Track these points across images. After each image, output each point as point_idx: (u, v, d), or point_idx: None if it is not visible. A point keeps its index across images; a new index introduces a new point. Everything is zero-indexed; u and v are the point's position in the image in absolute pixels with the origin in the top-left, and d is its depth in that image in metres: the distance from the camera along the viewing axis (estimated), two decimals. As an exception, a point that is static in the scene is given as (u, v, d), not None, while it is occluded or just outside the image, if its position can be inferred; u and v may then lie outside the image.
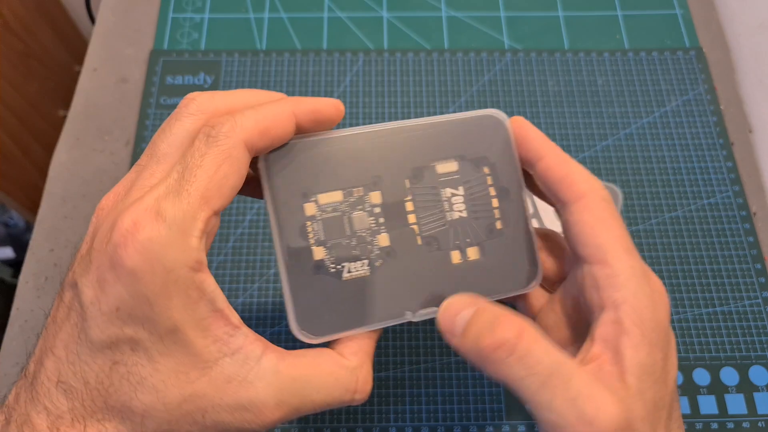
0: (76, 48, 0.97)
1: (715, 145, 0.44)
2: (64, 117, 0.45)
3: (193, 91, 0.45)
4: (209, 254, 0.38)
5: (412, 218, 0.25)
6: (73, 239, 0.40)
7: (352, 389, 0.22)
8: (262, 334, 0.37)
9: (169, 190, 0.20)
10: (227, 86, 0.45)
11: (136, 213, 0.19)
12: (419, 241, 0.25)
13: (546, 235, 0.27)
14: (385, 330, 0.33)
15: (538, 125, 0.44)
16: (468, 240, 0.25)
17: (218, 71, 0.46)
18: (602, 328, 0.21)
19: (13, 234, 0.91)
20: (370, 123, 0.44)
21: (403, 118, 0.44)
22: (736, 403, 0.36)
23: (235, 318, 0.21)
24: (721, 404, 0.35)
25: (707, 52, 0.48)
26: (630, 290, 0.21)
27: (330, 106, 0.23)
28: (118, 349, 0.19)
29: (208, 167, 0.20)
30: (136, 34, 0.48)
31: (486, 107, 0.45)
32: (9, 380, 0.36)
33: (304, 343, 0.23)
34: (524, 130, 0.25)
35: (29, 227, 0.91)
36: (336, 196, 0.24)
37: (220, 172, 0.20)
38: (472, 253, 0.25)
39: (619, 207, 0.41)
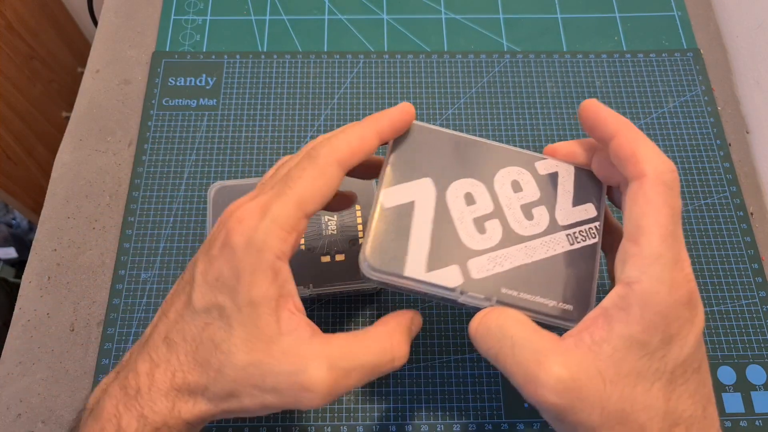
0: (79, 50, 0.98)
1: (712, 146, 0.44)
2: (67, 118, 0.45)
3: (194, 91, 0.46)
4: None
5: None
6: (76, 239, 0.41)
7: (390, 350, 0.26)
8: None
9: (275, 193, 0.25)
10: (228, 87, 0.46)
11: (250, 208, 0.25)
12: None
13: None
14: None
15: (537, 126, 0.45)
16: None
17: (220, 73, 0.46)
18: (609, 299, 0.23)
19: (17, 234, 0.92)
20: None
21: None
22: (733, 402, 0.36)
23: (299, 304, 0.25)
24: (719, 403, 0.36)
25: (705, 54, 0.48)
26: (648, 274, 0.22)
27: (403, 113, 0.28)
28: (210, 314, 0.24)
29: (307, 179, 0.25)
30: (139, 36, 0.49)
31: (486, 109, 0.45)
32: (12, 379, 0.36)
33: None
34: (596, 112, 0.26)
35: (32, 227, 0.91)
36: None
37: (315, 183, 0.25)
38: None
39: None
